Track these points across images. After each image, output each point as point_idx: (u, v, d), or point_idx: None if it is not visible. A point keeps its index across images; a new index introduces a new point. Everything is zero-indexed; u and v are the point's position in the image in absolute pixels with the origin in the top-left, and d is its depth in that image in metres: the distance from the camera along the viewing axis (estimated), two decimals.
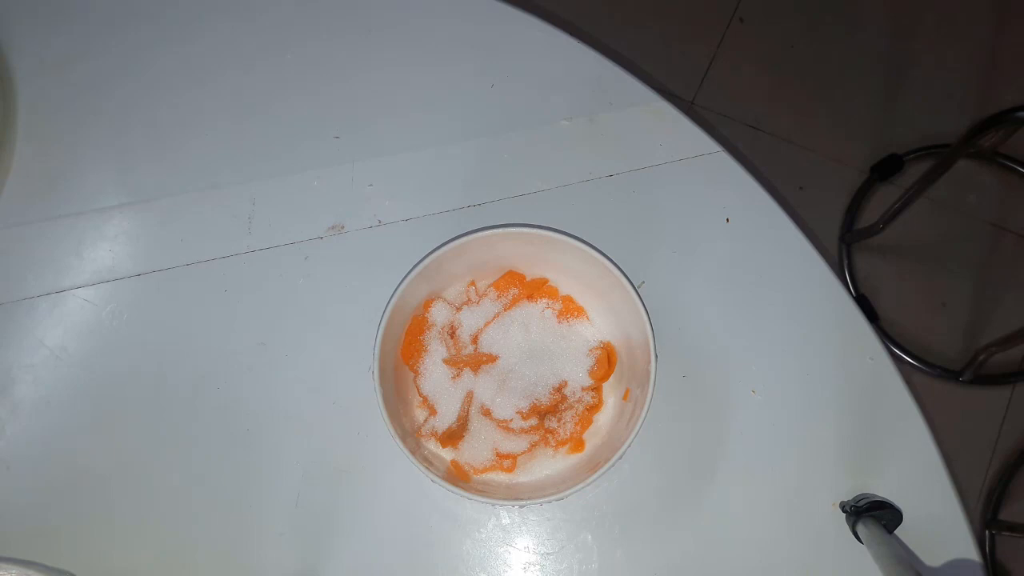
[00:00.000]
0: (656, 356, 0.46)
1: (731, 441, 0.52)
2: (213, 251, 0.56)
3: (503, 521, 0.52)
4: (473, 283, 0.53)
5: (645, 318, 0.47)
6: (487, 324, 0.51)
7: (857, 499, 0.50)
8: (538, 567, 0.51)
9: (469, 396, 0.50)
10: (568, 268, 0.51)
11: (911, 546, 0.50)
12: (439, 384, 0.50)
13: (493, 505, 0.51)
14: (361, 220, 0.56)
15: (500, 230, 0.48)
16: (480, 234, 0.48)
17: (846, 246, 1.26)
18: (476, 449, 0.49)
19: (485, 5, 0.59)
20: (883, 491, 0.51)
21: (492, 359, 0.50)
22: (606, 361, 0.51)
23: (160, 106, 0.58)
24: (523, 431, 0.49)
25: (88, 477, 0.53)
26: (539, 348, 0.51)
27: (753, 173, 0.56)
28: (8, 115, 0.57)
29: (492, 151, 0.57)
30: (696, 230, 0.56)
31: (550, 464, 0.50)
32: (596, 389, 0.51)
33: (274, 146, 0.58)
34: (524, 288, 0.52)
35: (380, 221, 0.56)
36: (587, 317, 0.52)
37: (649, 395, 0.46)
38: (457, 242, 0.48)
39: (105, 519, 0.52)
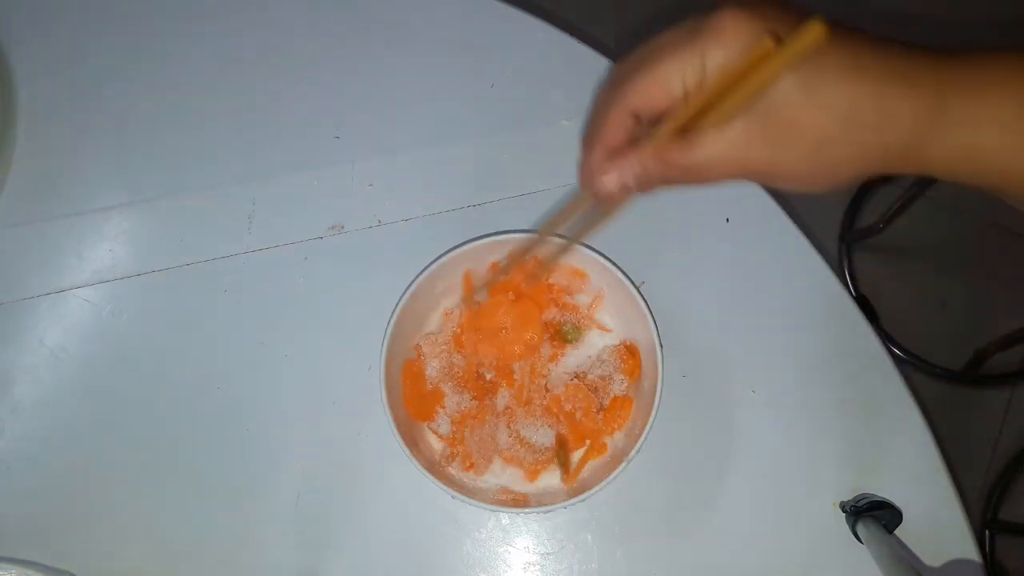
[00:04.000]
0: (663, 358, 0.46)
1: (731, 441, 0.52)
2: (213, 251, 0.56)
3: (503, 521, 0.52)
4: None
5: (650, 319, 0.47)
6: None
7: (857, 499, 0.50)
8: (538, 567, 0.51)
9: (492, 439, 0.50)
10: (569, 268, 0.52)
11: (911, 546, 0.50)
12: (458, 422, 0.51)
13: (495, 511, 0.51)
14: (361, 220, 0.56)
15: (501, 236, 0.49)
16: (495, 238, 0.49)
17: (846, 246, 1.26)
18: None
19: (485, 5, 0.59)
20: (883, 491, 0.51)
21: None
22: (629, 355, 0.51)
23: (160, 106, 0.58)
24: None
25: (88, 477, 0.53)
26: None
27: None
28: (8, 115, 0.57)
29: (492, 151, 0.57)
30: (696, 230, 0.56)
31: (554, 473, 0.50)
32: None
33: (274, 146, 0.58)
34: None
35: (380, 221, 0.56)
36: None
37: (657, 396, 0.46)
38: (470, 246, 0.49)
39: (105, 519, 0.52)
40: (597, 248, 0.49)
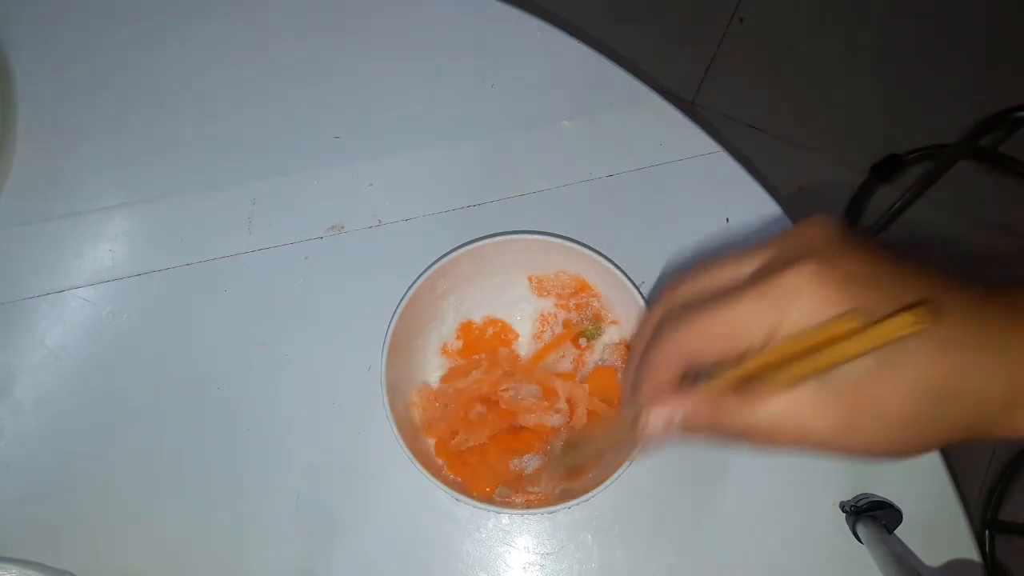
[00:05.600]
0: None
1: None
2: (213, 251, 0.56)
3: (503, 521, 0.52)
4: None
5: None
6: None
7: (857, 499, 0.50)
8: (538, 567, 0.51)
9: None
10: (569, 269, 0.52)
11: (911, 546, 0.50)
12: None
13: (497, 513, 0.51)
14: (361, 220, 0.56)
15: (502, 236, 0.49)
16: (496, 239, 0.49)
17: None
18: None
19: (485, 5, 0.59)
20: (883, 491, 0.51)
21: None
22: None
23: (160, 106, 0.58)
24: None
25: (88, 477, 0.53)
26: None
27: (753, 173, 0.56)
28: (8, 115, 0.57)
29: (492, 151, 0.57)
30: (696, 230, 0.56)
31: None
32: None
33: (274, 146, 0.58)
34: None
35: (380, 221, 0.56)
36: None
37: None
38: (470, 246, 0.49)
39: (105, 519, 0.52)
40: (597, 248, 0.49)
